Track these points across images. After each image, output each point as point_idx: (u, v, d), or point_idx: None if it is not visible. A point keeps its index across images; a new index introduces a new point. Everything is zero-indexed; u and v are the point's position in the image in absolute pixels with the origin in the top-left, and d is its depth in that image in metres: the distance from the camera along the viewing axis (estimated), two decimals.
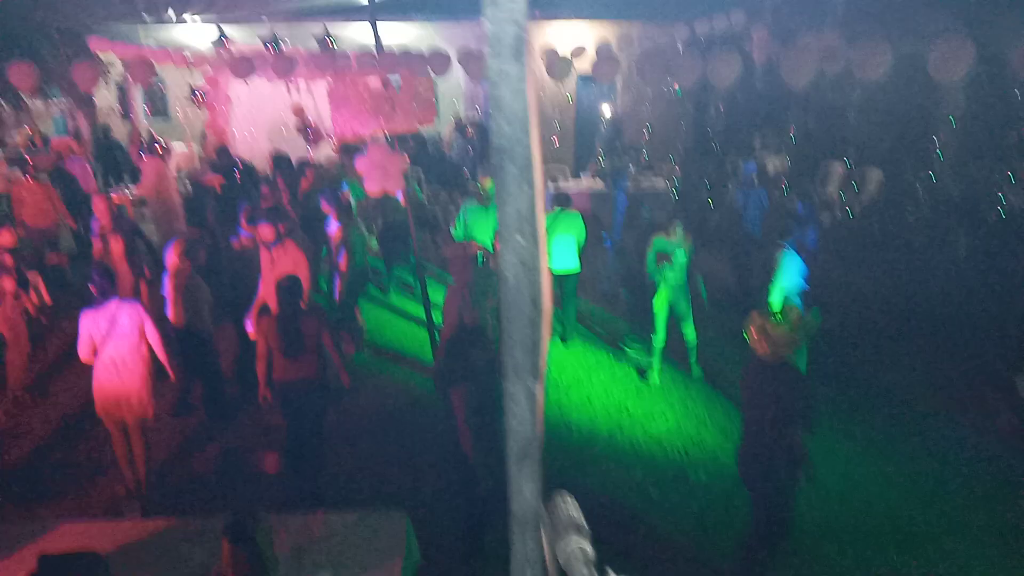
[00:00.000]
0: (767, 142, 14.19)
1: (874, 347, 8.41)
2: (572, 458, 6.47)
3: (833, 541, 5.37)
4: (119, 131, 14.82)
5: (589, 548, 1.18)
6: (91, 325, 5.51)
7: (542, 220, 1.06)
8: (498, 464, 4.92)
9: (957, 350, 8.24)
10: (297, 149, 13.74)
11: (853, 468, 6.24)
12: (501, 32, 1.00)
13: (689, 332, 7.74)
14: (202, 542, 4.21)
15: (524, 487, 1.17)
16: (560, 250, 8.34)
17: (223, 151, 11.61)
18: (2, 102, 12.52)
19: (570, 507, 1.26)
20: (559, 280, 8.42)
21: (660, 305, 7.59)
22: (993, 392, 7.31)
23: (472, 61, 10.05)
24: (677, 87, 13.27)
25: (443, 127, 15.10)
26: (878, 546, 5.33)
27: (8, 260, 7.17)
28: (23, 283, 7.23)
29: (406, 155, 10.14)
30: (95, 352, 5.57)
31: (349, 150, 11.38)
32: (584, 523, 1.23)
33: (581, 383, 7.83)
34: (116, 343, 5.53)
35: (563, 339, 8.71)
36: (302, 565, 4.10)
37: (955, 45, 7.03)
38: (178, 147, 15.18)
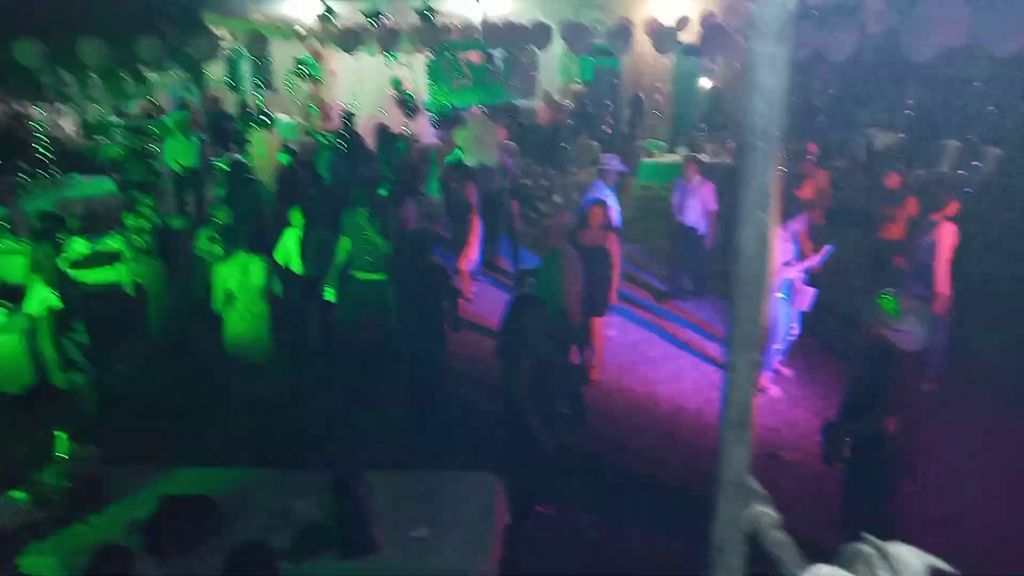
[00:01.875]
0: (877, 118, 13.59)
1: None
2: (659, 432, 6.43)
3: None
4: (228, 102, 15.40)
5: (773, 511, 1.21)
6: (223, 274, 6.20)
7: (775, 198, 1.08)
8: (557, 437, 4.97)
9: None
10: (395, 121, 14.00)
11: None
12: (767, 13, 1.01)
13: None
14: (306, 495, 4.39)
15: (735, 452, 1.20)
16: None
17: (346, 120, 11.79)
18: (124, 74, 13.19)
19: (745, 476, 1.28)
20: None
21: None
22: None
23: (574, 34, 9.97)
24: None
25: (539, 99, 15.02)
26: None
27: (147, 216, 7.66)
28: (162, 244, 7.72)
29: (503, 127, 10.20)
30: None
31: (445, 122, 11.51)
32: (762, 490, 1.25)
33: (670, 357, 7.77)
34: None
35: None
36: (400, 521, 4.24)
37: None
38: (283, 119, 15.69)
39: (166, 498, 4.22)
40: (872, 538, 1.16)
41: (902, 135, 12.59)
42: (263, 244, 7.84)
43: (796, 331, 7.07)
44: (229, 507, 4.31)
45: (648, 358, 7.87)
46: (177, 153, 11.14)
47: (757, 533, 1.21)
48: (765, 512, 1.22)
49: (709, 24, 9.94)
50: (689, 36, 11.11)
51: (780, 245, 6.83)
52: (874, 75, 13.33)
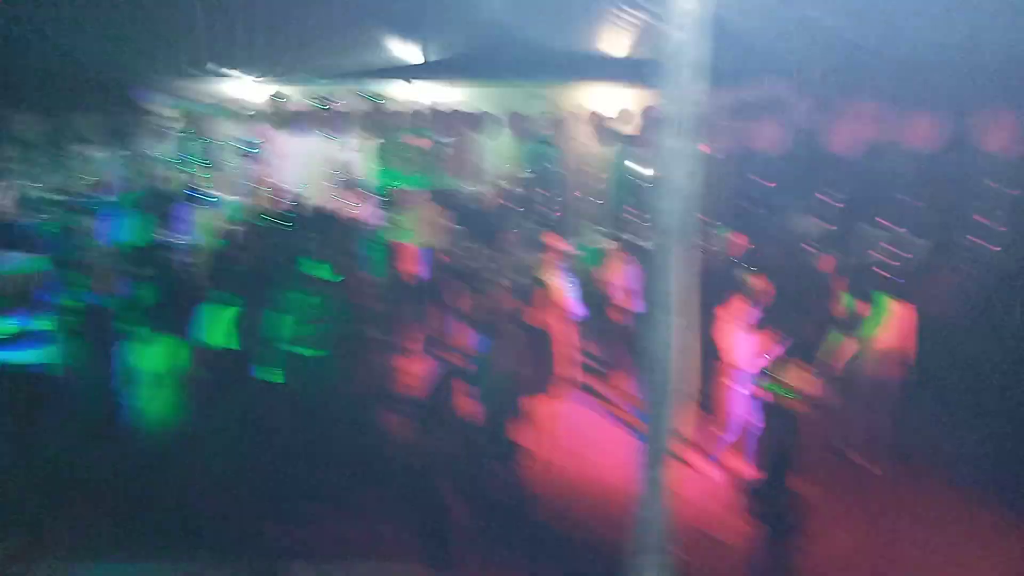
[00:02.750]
0: (804, 206, 14.11)
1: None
2: None
3: None
4: (173, 182, 15.25)
5: None
6: None
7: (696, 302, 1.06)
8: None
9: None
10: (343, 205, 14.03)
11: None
12: (679, 111, 1.04)
13: None
14: None
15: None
16: None
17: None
18: (65, 151, 13.03)
19: None
20: None
21: None
22: None
23: (519, 123, 10.28)
24: (709, 150, 13.37)
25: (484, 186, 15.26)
26: None
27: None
28: None
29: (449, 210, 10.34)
30: None
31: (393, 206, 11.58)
32: None
33: None
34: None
35: None
36: None
37: (1003, 117, 7.02)
38: (229, 199, 15.57)
39: None
40: None
41: (832, 226, 13.08)
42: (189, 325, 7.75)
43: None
44: None
45: (589, 437, 7.85)
46: (129, 231, 10.93)
47: None
48: None
49: (649, 117, 10.36)
50: (630, 128, 11.57)
51: (749, 338, 6.97)
52: (803, 168, 13.96)
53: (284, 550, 5.12)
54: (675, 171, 0.96)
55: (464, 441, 4.65)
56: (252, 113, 12.34)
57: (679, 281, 0.95)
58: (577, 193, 14.75)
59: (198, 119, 10.02)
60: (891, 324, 6.90)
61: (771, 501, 4.45)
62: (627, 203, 15.58)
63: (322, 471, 6.67)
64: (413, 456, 6.57)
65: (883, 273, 9.39)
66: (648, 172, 15.92)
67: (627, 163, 15.63)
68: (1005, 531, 6.25)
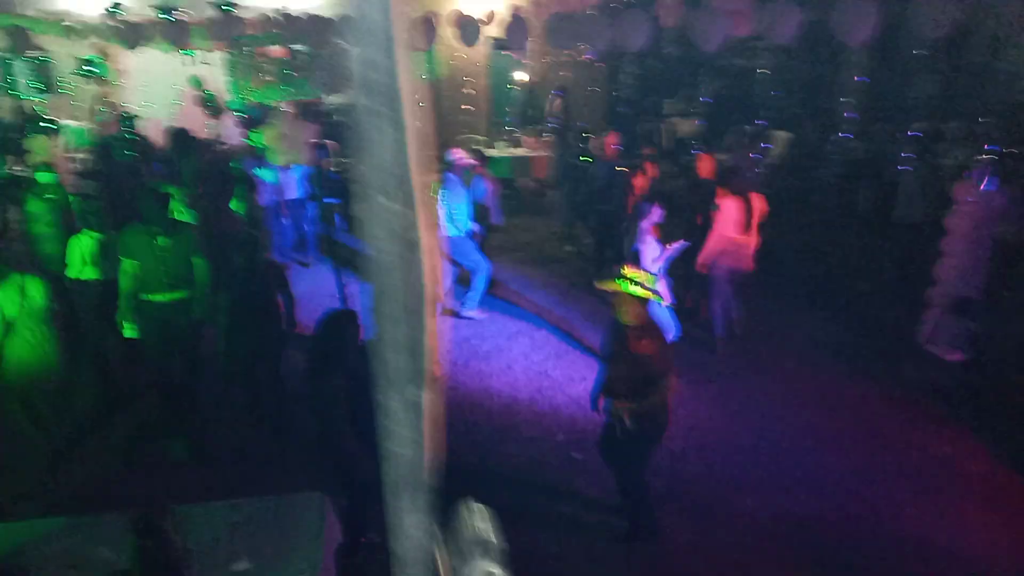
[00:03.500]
0: (676, 106, 14.33)
1: (779, 302, 8.67)
2: (495, 426, 6.42)
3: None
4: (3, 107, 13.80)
5: (498, 570, 1.01)
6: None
7: (419, 183, 0.85)
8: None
9: (861, 305, 8.56)
10: (197, 123, 13.12)
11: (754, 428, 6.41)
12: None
13: None
14: (106, 540, 3.95)
15: (407, 521, 0.92)
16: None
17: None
18: None
19: (476, 520, 1.10)
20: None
21: None
22: (897, 345, 7.60)
23: None
24: (589, 53, 13.25)
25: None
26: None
27: None
28: None
29: (313, 124, 9.81)
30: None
31: (253, 121, 10.88)
32: (493, 537, 1.07)
33: (501, 350, 7.78)
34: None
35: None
36: (217, 556, 3.90)
37: (860, 8, 7.16)
38: (70, 124, 14.28)
39: None
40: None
41: (701, 122, 13.34)
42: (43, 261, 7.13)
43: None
44: (20, 563, 3.81)
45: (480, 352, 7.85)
46: None
47: None
48: (487, 571, 1.05)
49: (514, 18, 10.03)
50: (498, 31, 11.19)
51: (647, 241, 6.99)
52: (672, 67, 14.07)
53: (156, 498, 4.90)
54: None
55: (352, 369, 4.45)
56: (83, 29, 11.14)
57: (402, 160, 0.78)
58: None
59: (27, 35, 8.92)
60: (747, 217, 7.15)
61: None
62: (504, 110, 15.35)
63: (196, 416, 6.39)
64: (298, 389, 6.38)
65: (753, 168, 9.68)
66: (522, 76, 15.65)
67: (503, 68, 15.34)
68: (850, 400, 6.75)
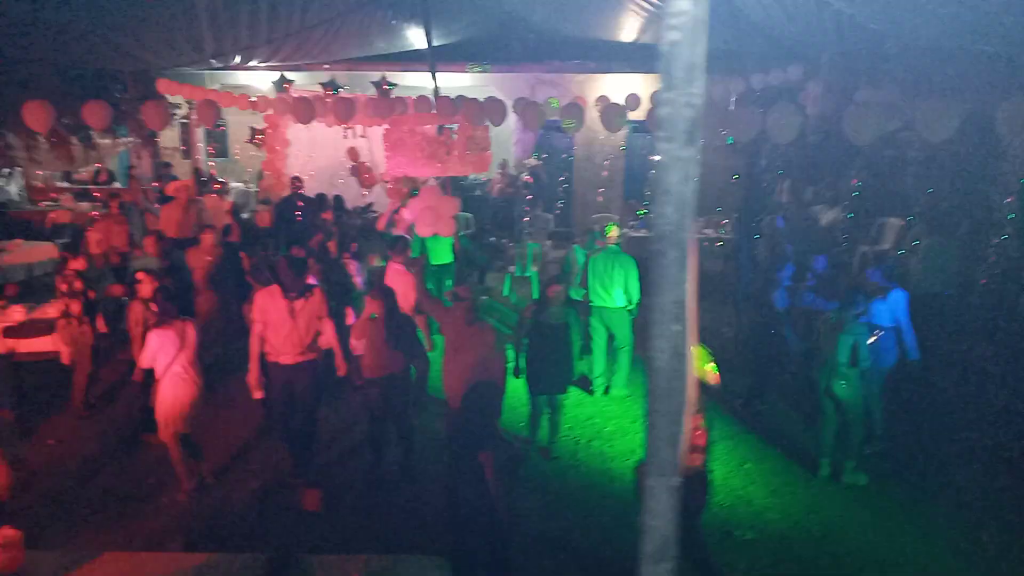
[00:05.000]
0: (820, 196, 13.98)
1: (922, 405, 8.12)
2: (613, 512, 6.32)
3: None
4: (181, 169, 15.28)
5: None
6: (158, 340, 6.13)
7: (693, 312, 1.00)
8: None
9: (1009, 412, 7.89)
10: (352, 192, 14.03)
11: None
12: (676, 115, 0.97)
13: None
14: None
15: None
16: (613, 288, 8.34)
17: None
18: (73, 138, 13.02)
19: None
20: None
21: None
22: None
23: (527, 110, 10.16)
24: (729, 138, 13.24)
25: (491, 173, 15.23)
26: None
27: (79, 285, 7.54)
28: (90, 308, 7.57)
29: (457, 198, 10.29)
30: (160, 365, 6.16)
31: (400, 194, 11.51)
32: None
33: (626, 433, 7.69)
34: (181, 357, 6.17)
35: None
36: None
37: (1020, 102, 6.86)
38: (236, 186, 15.60)
39: None
40: None
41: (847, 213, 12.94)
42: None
43: None
44: None
45: None
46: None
47: None
48: None
49: (656, 103, 10.22)
50: (639, 114, 11.42)
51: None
52: (817, 154, 13.79)
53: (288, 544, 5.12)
54: (671, 176, 0.92)
55: None
56: (261, 101, 12.26)
57: (682, 293, 0.90)
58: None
59: (215, 108, 9.97)
60: None
61: None
62: (641, 190, 15.54)
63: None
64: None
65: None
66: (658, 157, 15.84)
67: (640, 148, 15.59)
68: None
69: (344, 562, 4.46)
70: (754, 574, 5.54)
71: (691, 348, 1.00)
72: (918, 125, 7.55)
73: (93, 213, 12.49)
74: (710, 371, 4.69)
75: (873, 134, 7.58)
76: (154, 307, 6.50)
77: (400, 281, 7.63)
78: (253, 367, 6.38)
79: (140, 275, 7.45)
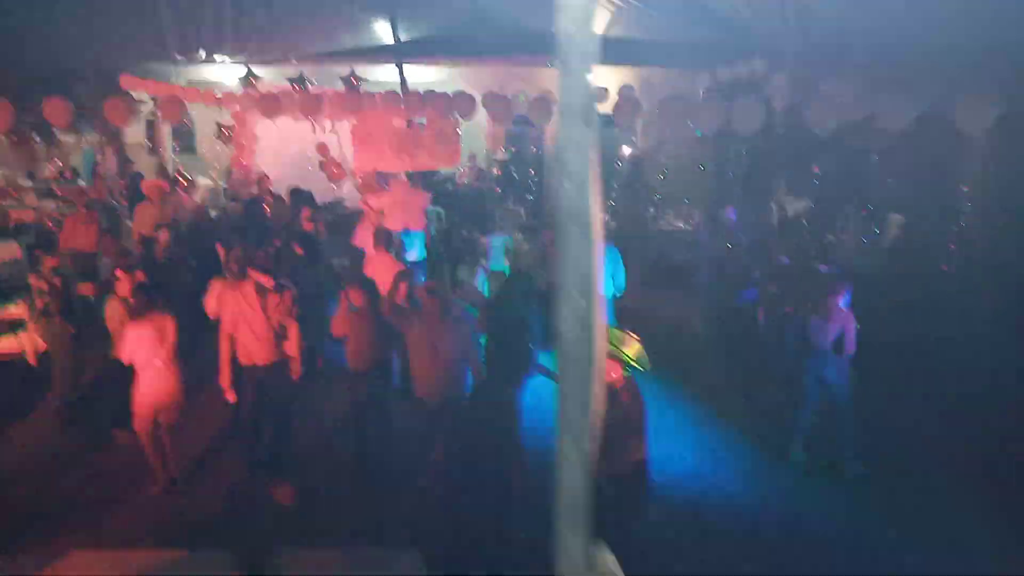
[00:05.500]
0: (788, 187, 14.19)
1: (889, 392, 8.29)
2: None
3: None
4: (146, 165, 15.07)
5: None
6: (137, 336, 6.12)
7: (599, 281, 1.08)
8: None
9: (975, 395, 8.08)
10: (322, 188, 13.93)
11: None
12: (572, 97, 1.04)
13: None
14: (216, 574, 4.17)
15: (572, 546, 1.15)
16: None
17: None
18: (36, 136, 12.79)
19: (609, 563, 1.24)
20: None
21: None
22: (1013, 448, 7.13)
23: (496, 104, 10.18)
24: (697, 130, 13.40)
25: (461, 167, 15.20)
26: None
27: (57, 282, 7.44)
28: (66, 305, 7.50)
29: (427, 192, 10.30)
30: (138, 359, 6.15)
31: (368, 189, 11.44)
32: (621, 573, 1.22)
33: None
34: (160, 351, 6.16)
35: None
36: None
37: (981, 97, 7.04)
38: (203, 182, 15.42)
39: None
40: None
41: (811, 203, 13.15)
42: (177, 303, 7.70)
43: None
44: None
45: None
46: None
47: None
48: None
49: (624, 96, 10.31)
50: (607, 108, 11.50)
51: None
52: (784, 147, 13.98)
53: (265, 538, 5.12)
54: (570, 155, 1.00)
55: None
56: (227, 96, 12.15)
57: (586, 265, 0.99)
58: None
59: (182, 105, 9.85)
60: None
61: None
62: (610, 183, 15.62)
63: None
64: None
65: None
66: (627, 151, 15.95)
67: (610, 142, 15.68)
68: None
69: (318, 555, 4.49)
70: (723, 557, 5.63)
71: (600, 319, 1.09)
72: (881, 116, 7.72)
73: (54, 213, 12.30)
74: (637, 351, 4.70)
75: (835, 125, 7.72)
76: (132, 302, 6.47)
77: (386, 272, 7.60)
78: (224, 369, 6.34)
79: (118, 272, 7.38)
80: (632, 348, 4.66)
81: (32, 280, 7.83)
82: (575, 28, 1.04)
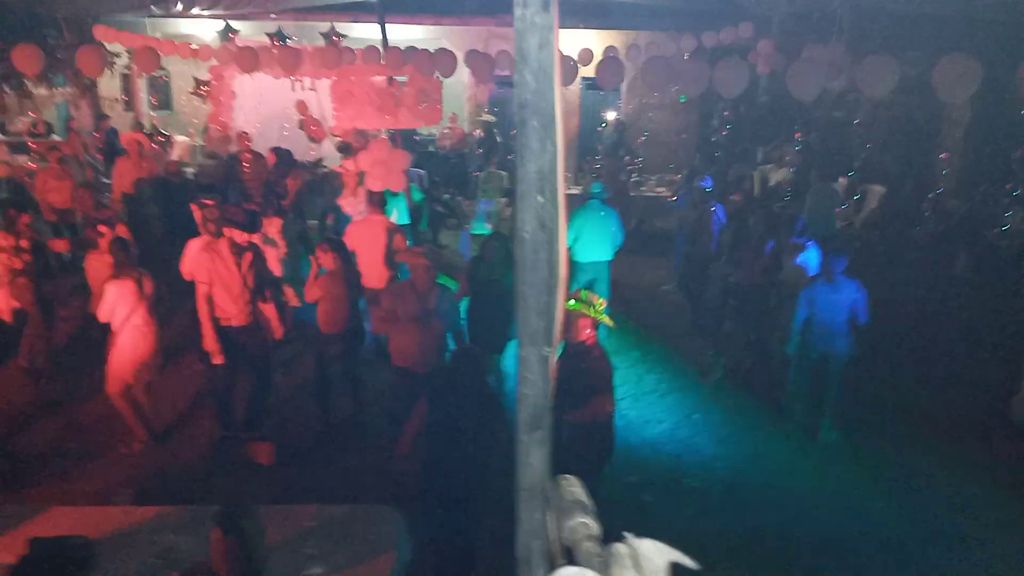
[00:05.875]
0: (770, 154, 14.21)
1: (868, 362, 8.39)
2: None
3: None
4: (122, 121, 14.80)
5: (593, 523, 1.17)
6: (117, 292, 6.04)
7: (562, 181, 1.04)
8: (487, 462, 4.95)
9: (952, 368, 8.20)
10: (300, 146, 13.75)
11: (841, 483, 6.25)
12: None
13: None
14: (192, 532, 4.18)
15: (533, 456, 1.16)
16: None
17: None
18: (6, 87, 12.48)
19: (575, 488, 1.25)
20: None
21: None
22: (988, 415, 7.26)
23: (479, 62, 10.05)
24: (681, 95, 13.34)
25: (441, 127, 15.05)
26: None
27: (25, 242, 7.32)
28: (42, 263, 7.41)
29: (408, 153, 10.18)
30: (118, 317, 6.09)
31: (347, 148, 11.29)
32: (588, 502, 1.22)
33: None
34: (140, 309, 6.12)
35: None
36: (292, 558, 4.08)
37: (962, 64, 7.03)
38: (180, 139, 15.18)
39: (36, 539, 3.93)
40: (630, 537, 1.18)
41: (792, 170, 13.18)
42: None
43: None
44: (106, 547, 4.06)
45: None
46: None
47: (573, 545, 1.17)
48: (583, 522, 1.19)
49: (608, 58, 10.21)
50: (591, 71, 11.41)
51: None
52: (767, 114, 13.99)
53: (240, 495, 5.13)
54: (529, 42, 0.98)
55: None
56: (204, 50, 11.90)
57: (545, 163, 0.95)
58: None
59: (155, 56, 9.62)
60: None
61: None
62: (594, 147, 15.54)
63: None
64: None
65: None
66: (611, 114, 15.85)
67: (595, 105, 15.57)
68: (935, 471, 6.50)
69: (296, 512, 4.51)
70: (701, 520, 5.73)
71: (560, 221, 1.05)
72: (861, 84, 7.70)
73: (31, 166, 12.07)
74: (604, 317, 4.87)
75: (817, 91, 7.68)
76: (111, 258, 6.37)
77: (374, 233, 7.56)
78: (208, 331, 6.19)
79: (101, 227, 7.25)
80: (599, 306, 4.80)
81: (2, 238, 7.62)
82: None
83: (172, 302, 7.65)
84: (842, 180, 12.28)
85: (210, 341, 6.17)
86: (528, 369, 1.11)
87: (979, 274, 9.34)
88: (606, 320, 4.90)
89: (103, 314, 6.10)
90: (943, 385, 7.90)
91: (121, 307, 6.08)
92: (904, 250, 10.63)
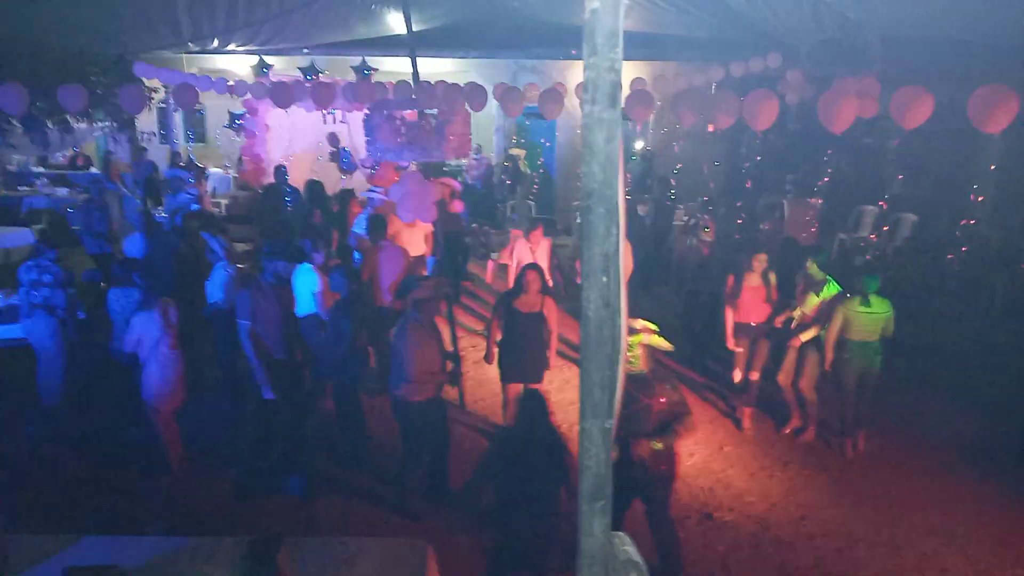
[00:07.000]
0: (799, 183, 14.12)
1: (900, 391, 8.24)
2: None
3: None
4: (158, 154, 15.12)
5: None
6: (142, 323, 6.14)
7: (623, 263, 1.08)
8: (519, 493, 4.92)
9: (988, 397, 8.03)
10: (331, 178, 13.94)
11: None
12: (599, 79, 1.04)
13: None
14: (223, 563, 4.19)
15: (595, 525, 1.17)
16: None
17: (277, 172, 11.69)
18: (49, 124, 12.84)
19: (628, 547, 1.26)
20: None
21: None
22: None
23: (508, 96, 10.16)
24: (711, 127, 13.34)
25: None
26: None
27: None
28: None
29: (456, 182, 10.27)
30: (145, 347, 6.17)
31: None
32: (640, 561, 1.23)
33: None
34: (167, 338, 6.20)
35: None
36: None
37: (998, 93, 6.95)
38: (215, 171, 15.48)
39: (72, 568, 3.97)
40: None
41: (819, 200, 13.07)
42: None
43: None
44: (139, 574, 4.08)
45: None
46: None
47: None
48: None
49: (635, 90, 10.25)
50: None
51: None
52: (796, 143, 13.92)
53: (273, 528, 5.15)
54: (596, 136, 1.01)
55: None
56: (239, 85, 12.18)
57: (610, 246, 0.99)
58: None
59: (193, 92, 9.89)
60: None
61: None
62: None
63: None
64: None
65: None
66: (636, 145, 15.89)
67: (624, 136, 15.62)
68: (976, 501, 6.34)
69: (326, 544, 4.50)
70: (732, 555, 5.64)
71: (623, 301, 1.08)
72: (894, 113, 7.65)
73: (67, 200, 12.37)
74: (661, 341, 5.00)
75: (849, 123, 7.64)
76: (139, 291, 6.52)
77: (393, 260, 7.66)
78: (260, 366, 6.24)
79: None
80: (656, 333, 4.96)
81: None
82: (602, 7, 1.04)
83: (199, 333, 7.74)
84: (873, 208, 12.18)
85: (265, 374, 6.23)
86: (590, 441, 1.13)
87: (1016, 303, 9.19)
88: (665, 344, 5.05)
89: (129, 345, 6.19)
90: (979, 414, 7.75)
91: (148, 337, 6.17)
92: (937, 279, 10.49)
